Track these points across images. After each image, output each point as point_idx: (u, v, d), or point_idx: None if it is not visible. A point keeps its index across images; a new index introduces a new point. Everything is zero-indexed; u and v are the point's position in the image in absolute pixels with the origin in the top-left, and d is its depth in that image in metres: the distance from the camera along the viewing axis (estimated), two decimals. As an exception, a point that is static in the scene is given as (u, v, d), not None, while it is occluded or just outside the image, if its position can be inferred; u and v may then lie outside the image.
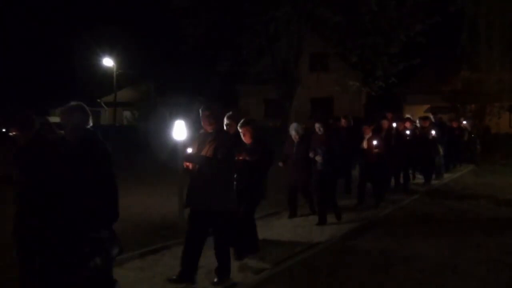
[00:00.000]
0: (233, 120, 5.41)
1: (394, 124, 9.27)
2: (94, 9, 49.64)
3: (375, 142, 7.93)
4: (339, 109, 22.34)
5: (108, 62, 28.97)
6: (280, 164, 7.12)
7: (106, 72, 30.03)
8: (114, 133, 22.39)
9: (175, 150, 5.87)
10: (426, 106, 22.04)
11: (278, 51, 17.76)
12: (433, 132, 10.67)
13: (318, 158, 6.73)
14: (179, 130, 5.80)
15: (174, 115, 6.67)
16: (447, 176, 12.14)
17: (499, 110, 19.75)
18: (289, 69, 18.35)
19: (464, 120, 15.31)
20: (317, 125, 7.00)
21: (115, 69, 28.79)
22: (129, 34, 30.18)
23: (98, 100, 33.30)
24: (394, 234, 6.40)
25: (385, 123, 8.94)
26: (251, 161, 5.12)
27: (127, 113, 30.88)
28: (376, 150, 7.88)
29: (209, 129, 4.45)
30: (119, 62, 29.28)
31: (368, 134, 8.24)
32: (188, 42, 17.88)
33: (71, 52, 35.32)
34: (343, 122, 9.62)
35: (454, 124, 13.69)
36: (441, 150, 11.33)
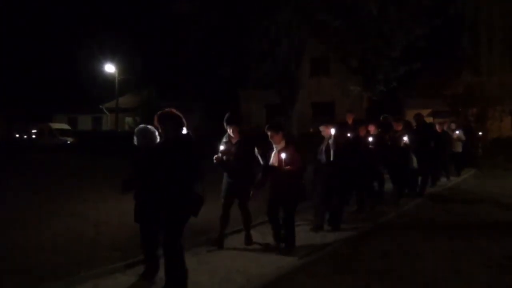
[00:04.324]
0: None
1: (333, 131, 6.55)
2: (96, 15, 49.92)
3: (283, 156, 5.45)
4: (340, 114, 22.32)
5: (110, 68, 29.13)
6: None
7: (108, 78, 30.17)
8: (116, 139, 22.42)
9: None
10: (427, 110, 22.01)
11: (279, 55, 17.77)
12: (405, 138, 8.77)
13: None
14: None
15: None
16: (449, 181, 12.11)
17: (500, 113, 19.72)
18: (290, 74, 18.34)
19: (457, 129, 13.19)
20: None
21: (116, 75, 28.92)
22: (130, 40, 30.37)
23: (100, 106, 33.54)
24: (397, 238, 6.38)
25: (325, 130, 6.61)
26: None
27: (128, 119, 30.98)
28: (287, 168, 5.43)
29: None
30: (120, 68, 29.41)
31: (280, 145, 5.63)
32: (189, 47, 17.93)
33: (74, 58, 35.49)
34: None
35: (439, 129, 11.63)
36: (414, 161, 9.07)
